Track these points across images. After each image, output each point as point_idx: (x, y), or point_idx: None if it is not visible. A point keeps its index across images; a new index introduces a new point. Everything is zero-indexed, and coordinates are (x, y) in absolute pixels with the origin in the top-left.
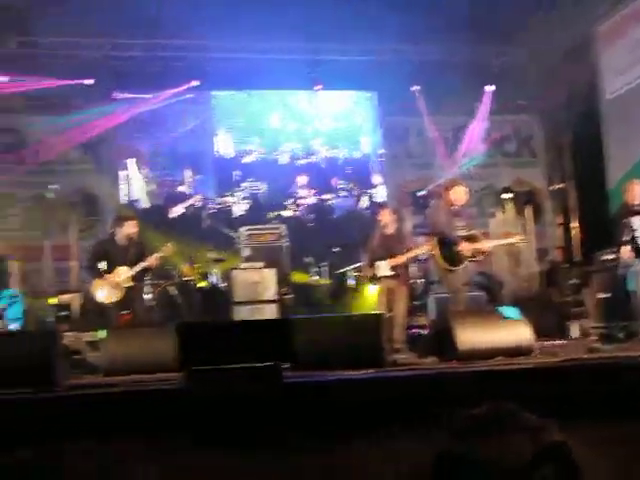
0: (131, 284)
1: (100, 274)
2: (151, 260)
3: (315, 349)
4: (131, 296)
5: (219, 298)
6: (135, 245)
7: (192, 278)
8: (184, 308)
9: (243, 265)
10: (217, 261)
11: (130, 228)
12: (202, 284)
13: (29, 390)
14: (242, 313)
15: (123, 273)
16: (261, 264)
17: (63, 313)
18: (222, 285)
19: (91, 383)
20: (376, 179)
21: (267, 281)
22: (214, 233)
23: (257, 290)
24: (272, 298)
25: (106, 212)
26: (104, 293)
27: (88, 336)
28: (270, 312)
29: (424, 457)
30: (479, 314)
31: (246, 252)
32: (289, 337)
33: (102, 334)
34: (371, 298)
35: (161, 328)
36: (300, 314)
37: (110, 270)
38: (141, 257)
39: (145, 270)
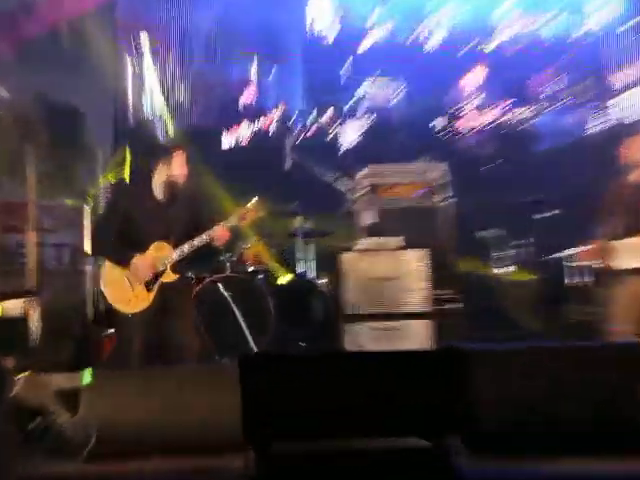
0: (174, 277)
1: (121, 257)
2: (217, 232)
3: (514, 409)
4: (172, 301)
5: (316, 306)
6: (183, 202)
7: (265, 267)
8: (251, 324)
9: (361, 243)
10: (311, 235)
11: (175, 168)
12: (284, 278)
13: None
14: (362, 336)
15: (162, 256)
16: (397, 241)
17: (9, 335)
18: (321, 282)
19: (63, 476)
20: (619, 78)
21: (410, 274)
22: (305, 179)
23: (390, 292)
24: (420, 309)
25: (97, 142)
26: (124, 294)
27: (60, 380)
28: (417, 334)
29: None
30: None
31: (367, 217)
32: (459, 385)
33: (87, 376)
34: (619, 310)
35: (202, 365)
36: (478, 340)
37: (139, 248)
38: (196, 225)
39: (202, 251)
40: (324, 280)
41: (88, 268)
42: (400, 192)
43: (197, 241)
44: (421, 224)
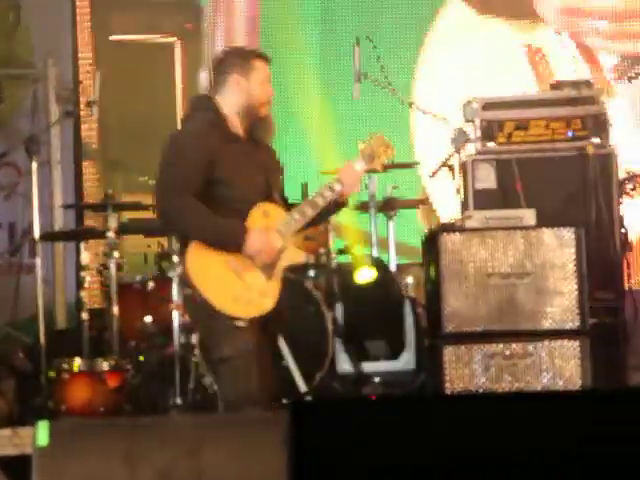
0: (301, 256)
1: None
2: (347, 173)
3: None
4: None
5: (401, 320)
6: (267, 143)
7: (323, 259)
8: (299, 351)
9: (473, 218)
10: (392, 205)
11: (256, 84)
12: (362, 275)
13: None
14: (475, 368)
15: (275, 224)
16: (530, 215)
17: None
18: (405, 281)
19: None
20: None
21: (552, 268)
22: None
23: (519, 296)
24: (568, 324)
25: (49, 50)
26: (234, 290)
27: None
28: (563, 365)
29: None
30: None
31: (480, 177)
32: None
33: (41, 434)
34: None
35: (225, 415)
36: None
37: (237, 216)
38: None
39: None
40: (409, 279)
41: (38, 262)
42: (534, 134)
43: (322, 196)
44: (569, 187)
